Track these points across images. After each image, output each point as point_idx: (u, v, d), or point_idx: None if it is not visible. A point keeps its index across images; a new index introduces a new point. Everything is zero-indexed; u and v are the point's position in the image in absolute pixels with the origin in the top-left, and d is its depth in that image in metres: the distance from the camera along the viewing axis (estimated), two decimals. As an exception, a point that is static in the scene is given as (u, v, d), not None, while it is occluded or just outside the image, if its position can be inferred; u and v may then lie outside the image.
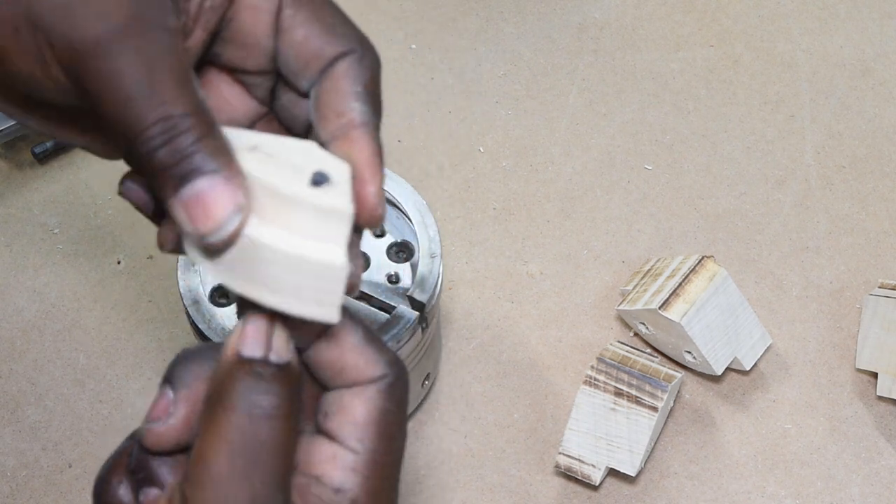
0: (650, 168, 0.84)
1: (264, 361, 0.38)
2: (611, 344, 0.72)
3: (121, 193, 0.43)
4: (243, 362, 0.38)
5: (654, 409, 0.68)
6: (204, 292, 0.64)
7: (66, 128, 0.44)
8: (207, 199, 0.37)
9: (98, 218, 0.81)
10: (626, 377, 0.68)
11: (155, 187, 0.38)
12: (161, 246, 0.42)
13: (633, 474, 0.69)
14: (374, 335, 0.41)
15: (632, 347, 0.72)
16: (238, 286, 0.39)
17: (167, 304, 0.77)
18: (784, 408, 0.74)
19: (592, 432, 0.69)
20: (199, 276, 0.64)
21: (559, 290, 0.78)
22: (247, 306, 0.40)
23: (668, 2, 0.92)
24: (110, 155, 0.46)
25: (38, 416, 0.73)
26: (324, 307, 0.39)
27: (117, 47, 0.37)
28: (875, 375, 0.75)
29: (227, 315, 0.63)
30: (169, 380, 0.40)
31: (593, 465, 0.69)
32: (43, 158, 0.82)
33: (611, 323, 0.77)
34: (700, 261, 0.72)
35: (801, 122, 0.86)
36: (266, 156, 0.40)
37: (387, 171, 0.59)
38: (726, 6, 0.92)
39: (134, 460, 0.40)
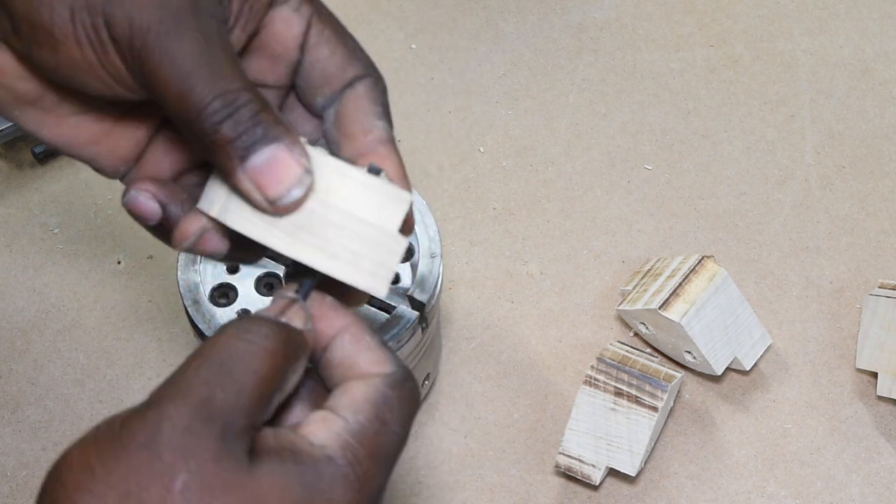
0: (650, 168, 0.84)
1: (274, 319, 0.40)
2: (611, 344, 0.72)
3: (125, 204, 0.44)
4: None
5: (654, 409, 0.68)
6: (204, 292, 0.64)
7: (90, 126, 0.45)
8: (275, 166, 0.40)
9: (98, 218, 0.81)
10: (626, 377, 0.68)
11: (218, 162, 0.40)
12: (180, 241, 0.43)
13: (633, 474, 0.69)
14: (387, 344, 0.43)
15: (632, 347, 0.72)
16: (296, 252, 0.41)
17: (167, 304, 0.77)
18: (784, 408, 0.74)
19: (592, 432, 0.69)
20: (199, 276, 0.64)
21: (559, 290, 0.78)
22: (287, 284, 0.42)
23: (668, 2, 0.92)
24: (113, 170, 0.46)
25: (38, 416, 0.73)
26: (376, 279, 0.41)
27: (177, 28, 0.39)
28: (875, 375, 0.75)
29: (226, 315, 0.63)
30: None
31: (593, 465, 0.69)
32: (43, 158, 0.82)
33: (611, 323, 0.77)
34: (700, 261, 0.72)
35: (801, 122, 0.86)
36: (316, 147, 0.42)
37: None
38: (726, 6, 0.92)
39: None
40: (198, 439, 0.36)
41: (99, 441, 0.36)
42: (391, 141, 0.45)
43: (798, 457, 0.73)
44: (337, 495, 0.38)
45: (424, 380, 0.71)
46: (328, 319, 0.42)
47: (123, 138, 0.46)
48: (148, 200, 0.44)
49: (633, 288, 0.74)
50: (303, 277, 0.43)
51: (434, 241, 0.65)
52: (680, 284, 0.71)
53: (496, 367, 0.76)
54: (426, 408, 0.74)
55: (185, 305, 0.63)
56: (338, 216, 0.41)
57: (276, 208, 0.40)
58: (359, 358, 0.41)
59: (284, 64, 0.45)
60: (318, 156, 0.41)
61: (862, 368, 0.74)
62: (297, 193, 0.40)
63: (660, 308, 0.70)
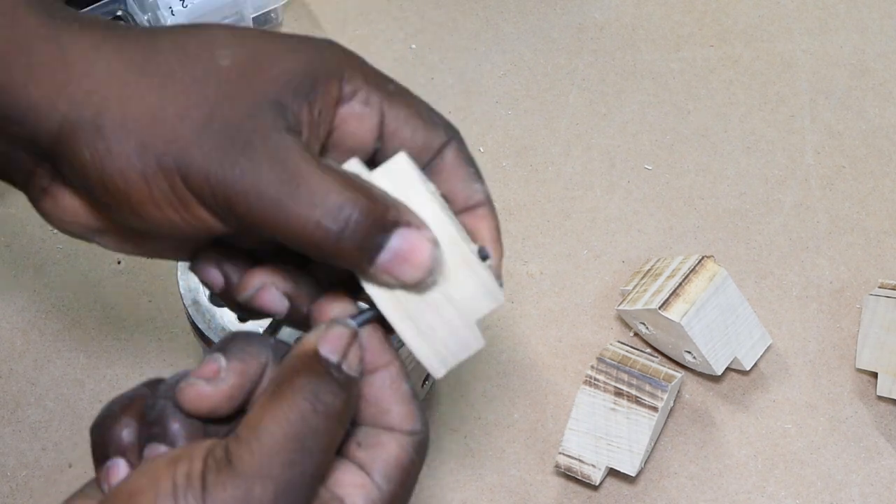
0: (650, 168, 0.84)
1: (337, 366, 0.39)
2: (611, 344, 0.72)
3: (193, 270, 0.44)
4: (320, 359, 0.39)
5: (654, 409, 0.68)
6: (204, 292, 0.64)
7: (173, 239, 0.44)
8: (407, 254, 0.39)
9: (98, 218, 0.81)
10: (626, 377, 0.68)
11: (346, 266, 0.40)
12: (240, 293, 0.43)
13: (633, 474, 0.69)
14: (416, 394, 0.43)
15: (632, 347, 0.72)
16: (392, 316, 0.41)
17: (167, 304, 0.77)
18: (784, 408, 0.74)
19: (592, 432, 0.69)
20: (199, 276, 0.64)
21: (559, 290, 0.78)
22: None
23: (668, 2, 0.92)
24: (190, 258, 0.46)
25: (38, 416, 0.73)
26: (442, 365, 0.42)
27: (252, 162, 0.38)
28: (875, 375, 0.75)
29: (226, 315, 0.63)
30: (221, 350, 0.41)
31: (593, 465, 0.69)
32: (43, 158, 0.82)
33: (611, 323, 0.77)
34: (700, 261, 0.72)
35: (801, 122, 0.86)
36: (433, 191, 0.42)
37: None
38: (726, 6, 0.92)
39: (156, 412, 0.40)
40: None
41: (178, 492, 0.36)
42: (489, 202, 0.45)
43: (798, 457, 0.73)
44: None
45: (425, 380, 0.71)
46: (373, 354, 0.42)
47: (203, 235, 0.45)
48: (210, 268, 0.43)
49: (633, 288, 0.74)
50: (355, 292, 0.42)
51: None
52: (680, 284, 0.71)
53: (496, 367, 0.76)
54: (426, 408, 0.74)
55: (185, 305, 0.63)
56: (439, 296, 0.41)
57: (412, 287, 0.40)
58: (393, 407, 0.41)
59: (362, 155, 0.43)
60: (436, 211, 0.41)
61: (862, 368, 0.74)
62: (432, 277, 0.40)
63: (660, 308, 0.70)
